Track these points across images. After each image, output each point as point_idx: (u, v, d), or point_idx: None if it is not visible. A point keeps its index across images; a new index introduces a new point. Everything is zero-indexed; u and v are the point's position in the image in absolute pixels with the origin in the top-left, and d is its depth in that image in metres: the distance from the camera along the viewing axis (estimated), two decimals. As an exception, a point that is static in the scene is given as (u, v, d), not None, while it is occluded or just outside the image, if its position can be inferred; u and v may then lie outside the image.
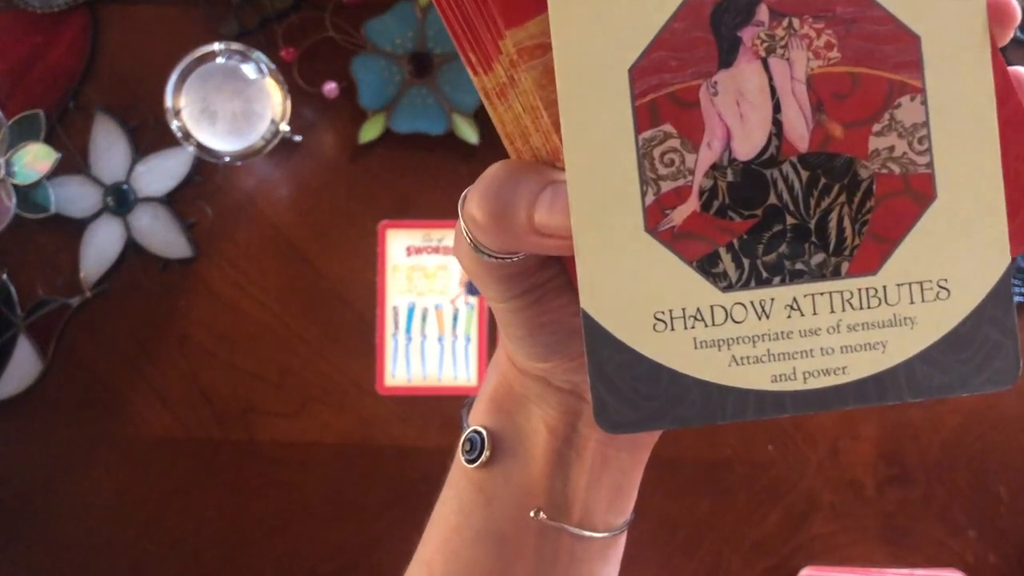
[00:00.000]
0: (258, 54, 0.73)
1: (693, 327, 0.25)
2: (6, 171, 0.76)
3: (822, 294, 0.25)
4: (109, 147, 0.79)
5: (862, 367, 0.25)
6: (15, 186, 0.76)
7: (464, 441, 0.34)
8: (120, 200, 0.79)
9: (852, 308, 0.25)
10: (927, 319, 0.25)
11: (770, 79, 0.25)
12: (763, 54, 0.25)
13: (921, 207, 0.25)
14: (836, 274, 0.25)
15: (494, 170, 0.27)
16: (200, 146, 0.72)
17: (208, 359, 0.79)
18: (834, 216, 0.25)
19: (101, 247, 0.79)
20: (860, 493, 0.78)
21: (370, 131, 0.78)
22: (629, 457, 0.34)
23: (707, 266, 0.25)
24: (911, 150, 0.25)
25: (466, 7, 0.26)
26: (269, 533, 0.79)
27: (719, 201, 0.25)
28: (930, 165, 0.25)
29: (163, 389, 0.79)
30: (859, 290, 0.25)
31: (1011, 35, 0.25)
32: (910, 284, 0.25)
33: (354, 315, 0.79)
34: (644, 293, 0.25)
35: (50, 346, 0.79)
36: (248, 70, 0.72)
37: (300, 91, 0.79)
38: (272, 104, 0.72)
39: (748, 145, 0.25)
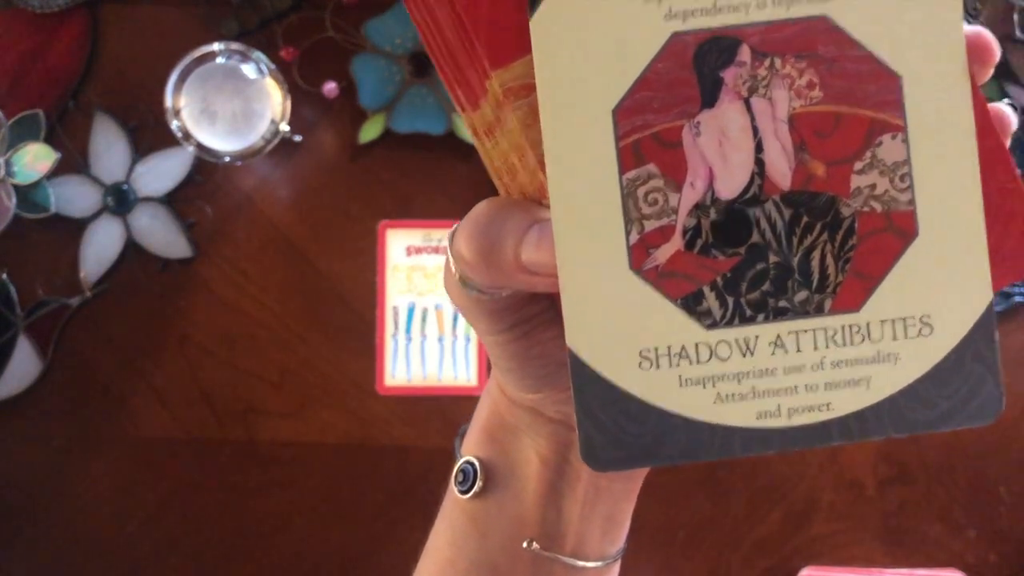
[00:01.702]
0: (258, 54, 0.73)
1: (678, 365, 0.25)
2: (6, 171, 0.76)
3: (806, 331, 0.25)
4: (109, 147, 0.79)
5: (846, 404, 0.25)
6: (15, 186, 0.76)
7: (457, 472, 0.34)
8: (120, 200, 0.79)
9: (836, 345, 0.25)
10: (910, 355, 0.25)
11: (752, 119, 0.25)
12: (745, 94, 0.25)
13: (903, 244, 0.25)
14: (819, 311, 0.25)
15: (481, 207, 0.27)
16: (200, 146, 0.72)
17: (208, 359, 0.79)
18: (817, 254, 0.25)
19: (101, 247, 0.79)
20: (860, 493, 0.78)
21: (370, 131, 0.79)
22: (622, 487, 0.34)
23: (692, 304, 0.25)
24: (893, 188, 0.25)
25: (453, 47, 0.26)
26: (269, 533, 0.79)
27: (703, 240, 0.25)
28: (912, 202, 0.25)
29: (163, 389, 0.79)
30: (842, 327, 0.25)
31: (991, 72, 0.25)
32: (893, 320, 0.25)
33: (354, 315, 0.79)
34: (629, 331, 0.25)
35: (50, 346, 0.79)
36: (248, 70, 0.72)
37: (300, 91, 0.79)
38: (272, 104, 0.73)
39: (731, 184, 0.25)
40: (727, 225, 0.25)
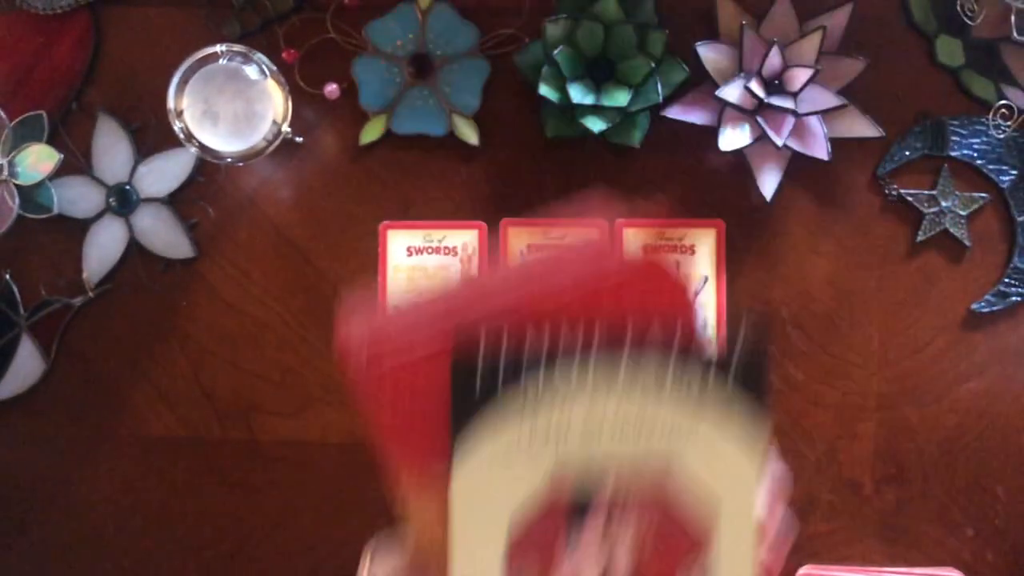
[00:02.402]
0: (260, 55, 0.73)
1: None
2: (9, 172, 0.76)
3: None
4: (111, 148, 0.79)
5: None
6: (18, 187, 0.76)
7: None
8: (122, 201, 0.79)
9: None
10: None
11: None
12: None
13: None
14: None
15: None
16: (202, 147, 0.73)
17: (210, 359, 0.80)
18: None
19: (103, 247, 0.79)
20: (858, 492, 0.78)
21: (371, 132, 0.79)
22: None
23: None
24: None
25: (393, 451, 0.35)
26: (271, 531, 0.80)
27: None
28: None
29: (165, 388, 0.80)
30: None
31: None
32: None
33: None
34: None
35: (53, 346, 0.80)
36: (250, 71, 0.73)
37: (301, 92, 0.79)
38: (274, 105, 0.73)
39: None
40: None
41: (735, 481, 0.35)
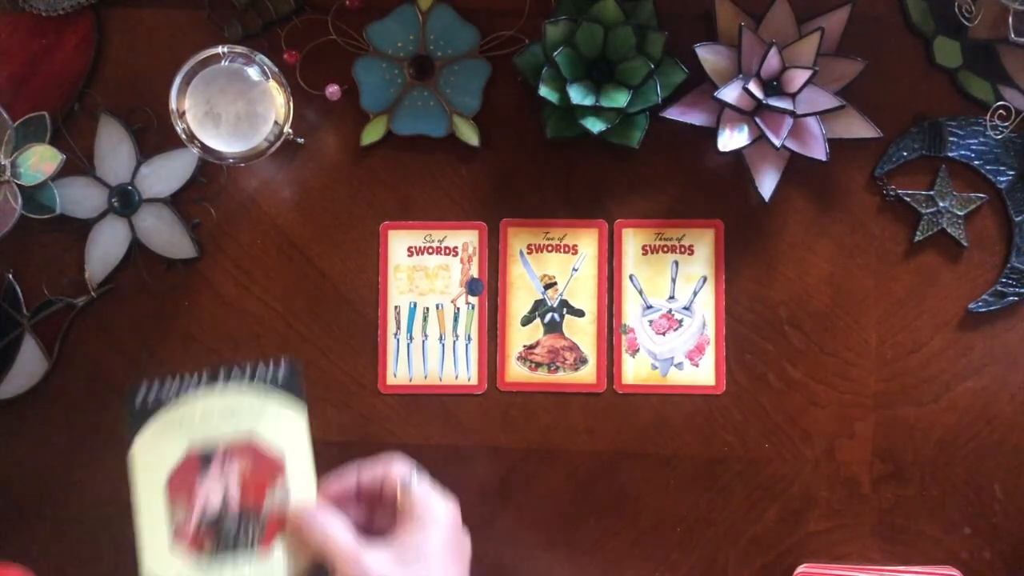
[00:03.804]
0: (261, 57, 0.73)
1: None
2: (12, 172, 0.77)
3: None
4: (114, 149, 0.80)
5: None
6: (20, 187, 0.76)
7: None
8: (125, 201, 0.80)
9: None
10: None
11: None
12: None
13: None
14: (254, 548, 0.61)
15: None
16: (204, 148, 0.73)
17: (212, 358, 0.80)
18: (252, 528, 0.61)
19: (106, 247, 0.80)
20: (856, 491, 0.79)
21: (372, 133, 0.79)
22: None
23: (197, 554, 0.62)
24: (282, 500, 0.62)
25: None
26: (272, 530, 0.80)
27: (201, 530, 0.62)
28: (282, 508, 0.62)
29: (167, 388, 0.80)
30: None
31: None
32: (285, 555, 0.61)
33: (356, 315, 0.80)
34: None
35: (55, 345, 0.80)
36: (252, 73, 0.73)
37: (303, 93, 0.79)
38: (275, 106, 0.73)
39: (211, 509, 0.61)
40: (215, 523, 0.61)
41: (291, 435, 0.62)
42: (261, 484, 0.61)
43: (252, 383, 0.63)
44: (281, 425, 0.63)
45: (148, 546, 0.63)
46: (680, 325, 0.79)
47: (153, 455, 0.62)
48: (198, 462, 0.62)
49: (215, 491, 0.61)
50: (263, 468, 0.62)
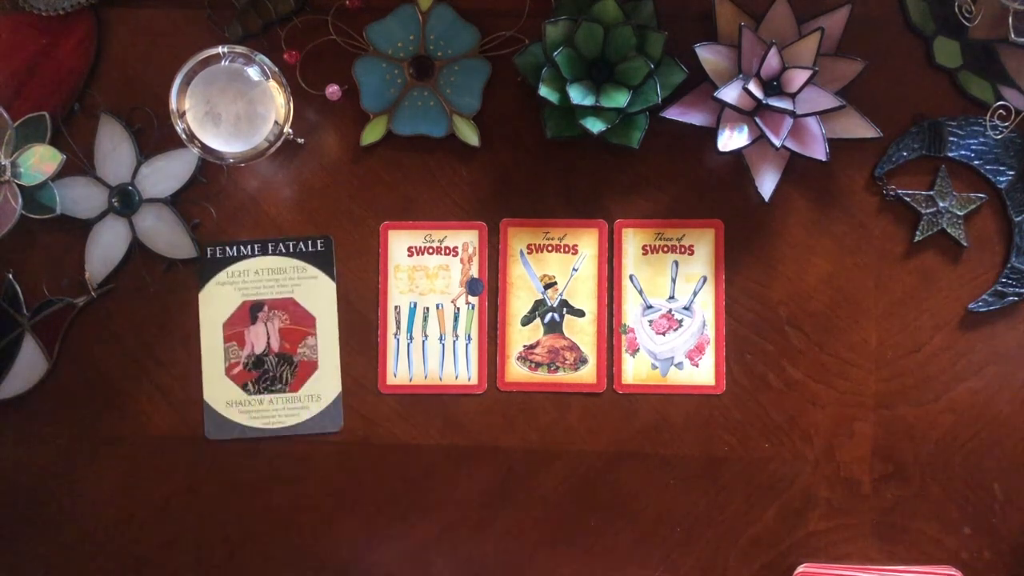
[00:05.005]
0: (261, 57, 0.73)
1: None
2: (12, 172, 0.77)
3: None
4: (114, 149, 0.80)
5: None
6: (21, 187, 0.77)
7: None
8: (125, 201, 0.80)
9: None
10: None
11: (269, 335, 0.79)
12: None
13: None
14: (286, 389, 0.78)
15: None
16: (204, 148, 0.73)
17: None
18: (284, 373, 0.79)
19: (106, 247, 0.80)
20: (856, 490, 0.79)
21: (372, 133, 0.79)
22: None
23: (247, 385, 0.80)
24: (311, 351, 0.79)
25: None
26: (272, 529, 0.80)
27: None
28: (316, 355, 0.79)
29: (168, 388, 0.80)
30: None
31: None
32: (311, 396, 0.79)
33: (356, 314, 0.80)
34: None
35: (55, 345, 0.80)
36: (252, 73, 0.73)
37: (303, 94, 0.79)
38: (275, 106, 0.73)
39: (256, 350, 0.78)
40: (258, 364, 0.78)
41: (322, 299, 0.77)
42: (296, 336, 0.77)
43: (295, 253, 0.78)
44: (315, 290, 0.78)
45: (207, 376, 0.79)
46: (680, 325, 0.79)
47: (215, 303, 0.78)
48: (248, 312, 0.77)
49: (260, 336, 0.77)
50: (298, 323, 0.77)
